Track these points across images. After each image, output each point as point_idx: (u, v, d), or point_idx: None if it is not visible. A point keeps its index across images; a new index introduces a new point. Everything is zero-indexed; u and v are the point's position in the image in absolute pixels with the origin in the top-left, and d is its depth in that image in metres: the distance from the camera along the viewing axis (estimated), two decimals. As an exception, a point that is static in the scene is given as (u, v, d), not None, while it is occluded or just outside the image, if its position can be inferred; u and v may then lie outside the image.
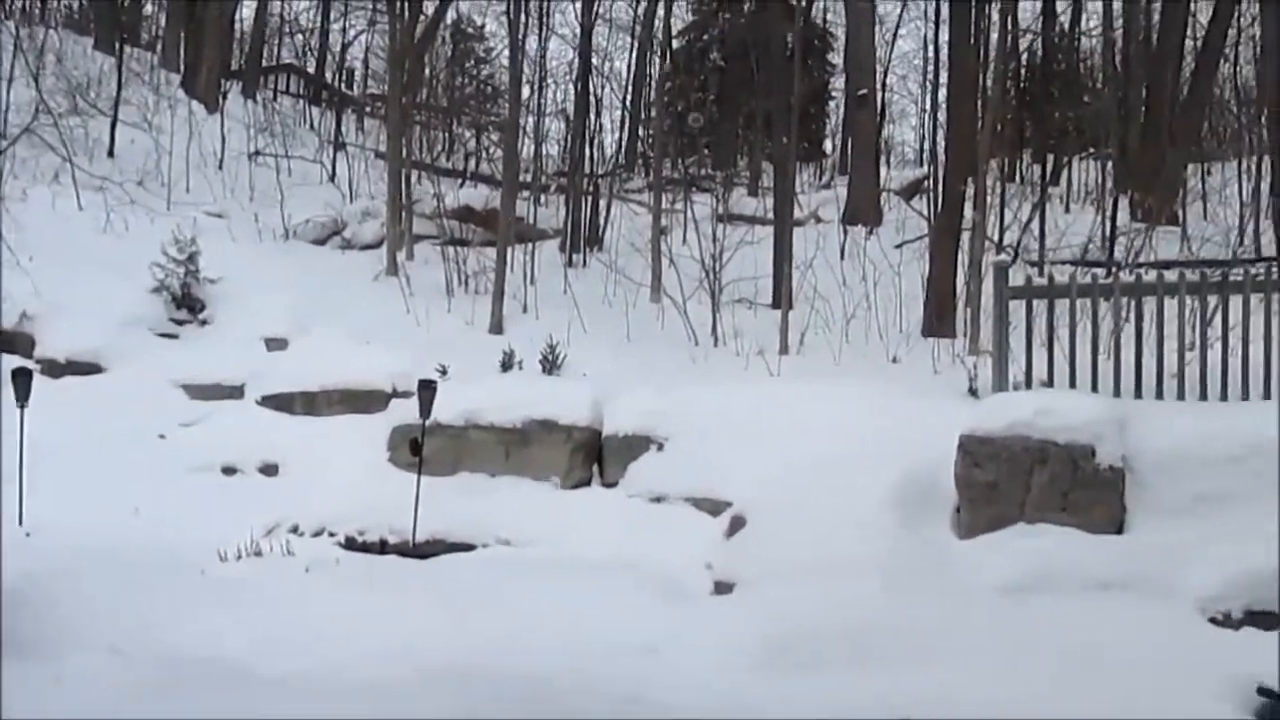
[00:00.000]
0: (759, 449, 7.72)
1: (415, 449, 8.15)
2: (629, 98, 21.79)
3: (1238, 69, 20.31)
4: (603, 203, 15.68)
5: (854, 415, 7.81)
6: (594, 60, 18.14)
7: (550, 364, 9.64)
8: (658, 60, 19.20)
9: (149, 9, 23.63)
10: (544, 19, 18.30)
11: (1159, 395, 7.72)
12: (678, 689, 5.28)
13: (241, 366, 10.02)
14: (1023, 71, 20.71)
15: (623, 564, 6.92)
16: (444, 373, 9.12)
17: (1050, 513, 6.46)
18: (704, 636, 5.80)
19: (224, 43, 20.27)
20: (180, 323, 11.06)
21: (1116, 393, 7.69)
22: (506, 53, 17.91)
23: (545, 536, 7.55)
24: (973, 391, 8.45)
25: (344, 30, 23.92)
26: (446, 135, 21.66)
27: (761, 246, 13.15)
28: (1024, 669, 5.27)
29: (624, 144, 22.16)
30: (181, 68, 19.18)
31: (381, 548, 7.69)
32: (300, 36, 25.49)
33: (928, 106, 22.14)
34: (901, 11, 23.84)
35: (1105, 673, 5.24)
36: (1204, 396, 7.65)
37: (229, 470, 8.83)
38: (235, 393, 9.80)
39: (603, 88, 20.76)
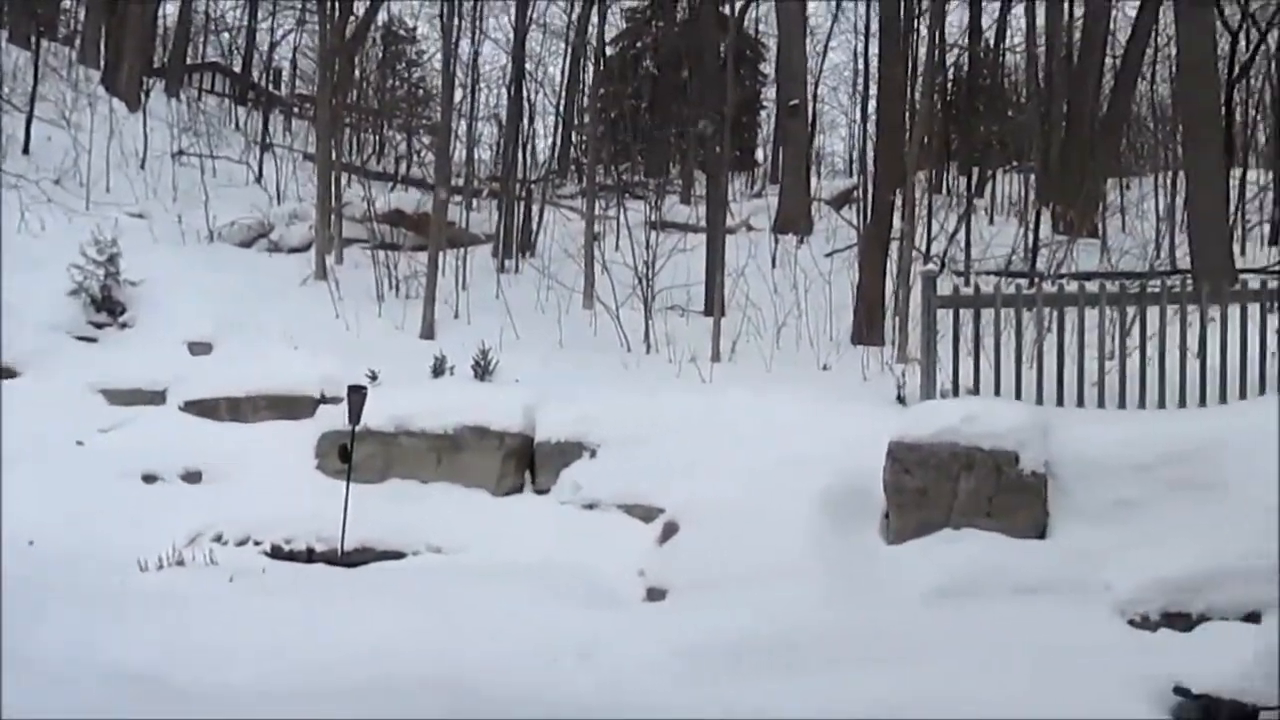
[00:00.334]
0: (692, 456, 7.76)
1: (344, 455, 8.03)
2: (562, 103, 21.77)
3: (1154, 87, 21.01)
4: (536, 208, 15.63)
5: (785, 422, 7.88)
6: (527, 65, 18.11)
7: (482, 370, 9.58)
8: (591, 66, 19.19)
9: (67, 3, 23.00)
10: (477, 22, 18.23)
11: (1080, 403, 7.93)
12: (609, 696, 5.26)
13: (164, 371, 9.80)
14: (950, 86, 21.18)
15: (555, 571, 6.90)
16: (374, 378, 9.01)
17: (976, 518, 6.58)
18: (636, 643, 5.79)
19: (146, 39, 19.78)
20: (100, 326, 10.77)
21: (1039, 400, 7.88)
22: (439, 55, 17.81)
23: (477, 544, 7.50)
24: (901, 399, 8.58)
25: (272, 29, 23.48)
26: (377, 138, 21.42)
27: (694, 254, 13.22)
28: (948, 673, 5.35)
29: (557, 150, 22.14)
30: (102, 64, 18.67)
31: (309, 556, 7.55)
32: (226, 34, 25.00)
33: (858, 118, 22.47)
34: (832, 24, 24.25)
35: (1028, 675, 5.34)
36: (1123, 405, 7.87)
37: (150, 478, 8.62)
38: (157, 398, 9.59)
39: (536, 93, 20.73)
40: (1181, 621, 5.83)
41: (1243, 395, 7.72)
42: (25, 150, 14.30)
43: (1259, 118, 20.23)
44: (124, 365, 9.91)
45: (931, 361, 8.12)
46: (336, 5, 14.81)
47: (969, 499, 6.60)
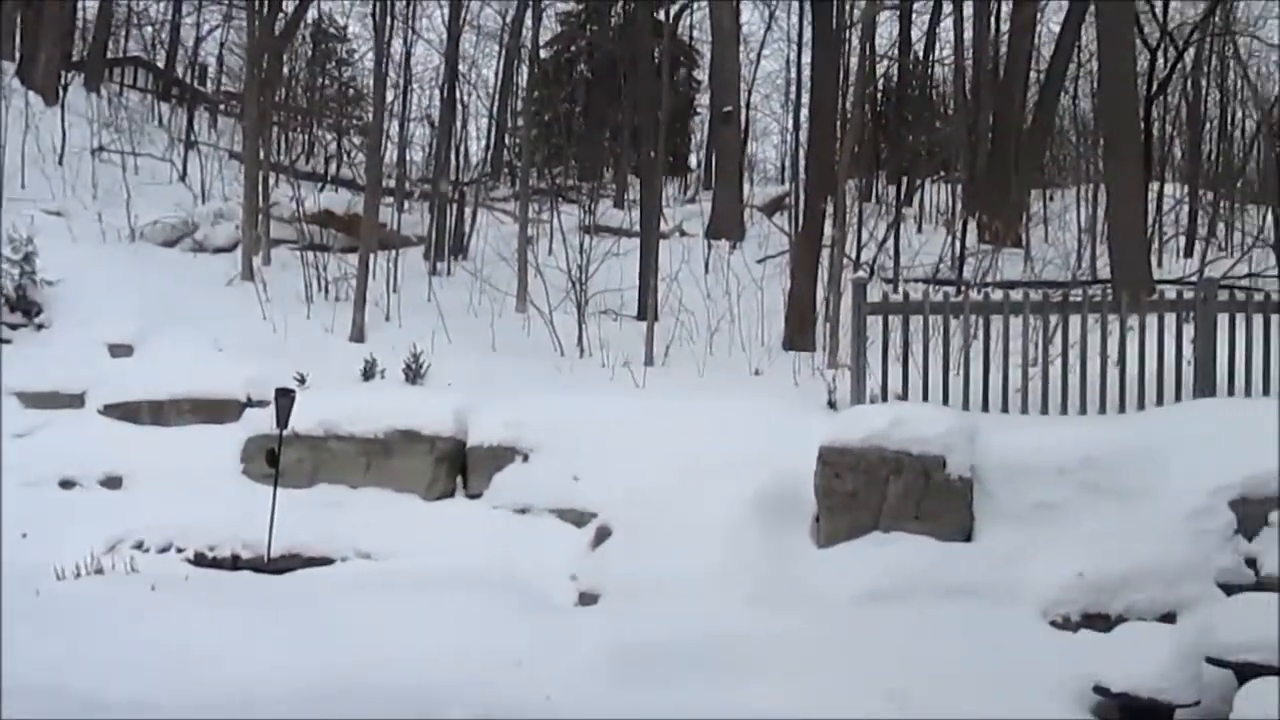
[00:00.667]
0: (624, 460, 7.75)
1: (271, 460, 7.88)
2: (496, 106, 21.64)
3: (1076, 101, 21.59)
4: (468, 211, 15.50)
5: (718, 427, 7.92)
6: (461, 67, 17.98)
7: (414, 373, 9.47)
8: (525, 69, 19.12)
9: (-20, -8, 22.26)
10: (410, 22, 18.04)
11: (1004, 409, 8.11)
12: (540, 701, 5.24)
13: (82, 373, 9.51)
14: (880, 96, 21.52)
15: (487, 576, 6.86)
16: (303, 381, 8.85)
17: (904, 521, 6.69)
18: (568, 648, 5.78)
19: (65, 31, 19.22)
20: (14, 326, 10.40)
21: (966, 406, 8.04)
22: (370, 55, 17.58)
23: (408, 549, 7.40)
24: (832, 404, 8.68)
25: (197, 24, 22.94)
26: (306, 137, 21.06)
27: (628, 258, 13.23)
28: (875, 676, 5.43)
29: (490, 152, 21.99)
30: (17, 56, 18.06)
31: (234, 563, 7.40)
32: (150, 28, 24.38)
33: (790, 126, 22.70)
34: (765, 32, 24.42)
35: (953, 676, 5.45)
36: (1046, 410, 8.07)
37: (67, 484, 8.37)
38: (75, 401, 9.30)
39: (469, 95, 20.59)
40: (1101, 622, 6.00)
41: (1160, 401, 7.97)
42: (-65, 144, 13.82)
43: (1175, 133, 20.93)
44: (40, 367, 9.60)
45: (861, 367, 8.25)
46: (265, 1, 14.54)
47: (898, 502, 6.71)
